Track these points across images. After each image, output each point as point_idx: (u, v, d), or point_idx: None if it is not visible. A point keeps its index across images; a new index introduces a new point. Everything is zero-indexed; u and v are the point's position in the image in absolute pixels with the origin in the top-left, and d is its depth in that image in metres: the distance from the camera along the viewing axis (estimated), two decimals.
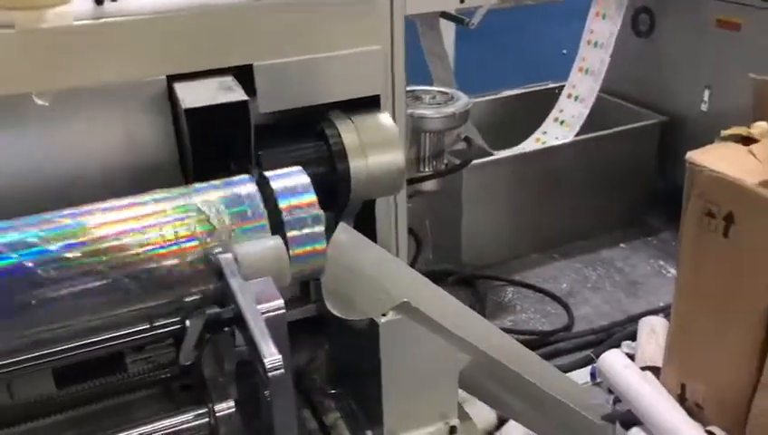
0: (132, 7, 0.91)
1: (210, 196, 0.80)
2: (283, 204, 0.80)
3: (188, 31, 0.92)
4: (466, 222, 2.25)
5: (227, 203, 0.79)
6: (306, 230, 0.80)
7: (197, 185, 0.82)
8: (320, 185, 0.85)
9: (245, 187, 0.81)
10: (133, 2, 0.92)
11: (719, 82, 2.26)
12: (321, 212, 0.81)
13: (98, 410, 0.93)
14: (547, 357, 1.92)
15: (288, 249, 0.78)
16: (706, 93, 2.29)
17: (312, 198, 0.81)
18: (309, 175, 0.85)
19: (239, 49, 0.95)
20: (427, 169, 1.92)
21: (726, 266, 1.46)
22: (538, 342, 2.01)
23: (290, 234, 0.79)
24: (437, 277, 2.20)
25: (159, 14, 0.91)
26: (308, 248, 0.81)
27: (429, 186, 1.96)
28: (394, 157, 1.03)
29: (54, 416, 0.90)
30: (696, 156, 1.50)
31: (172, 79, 0.92)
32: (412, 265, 1.84)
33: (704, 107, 2.30)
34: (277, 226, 0.81)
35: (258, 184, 0.82)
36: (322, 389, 1.02)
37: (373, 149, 1.02)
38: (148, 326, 0.91)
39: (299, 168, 0.84)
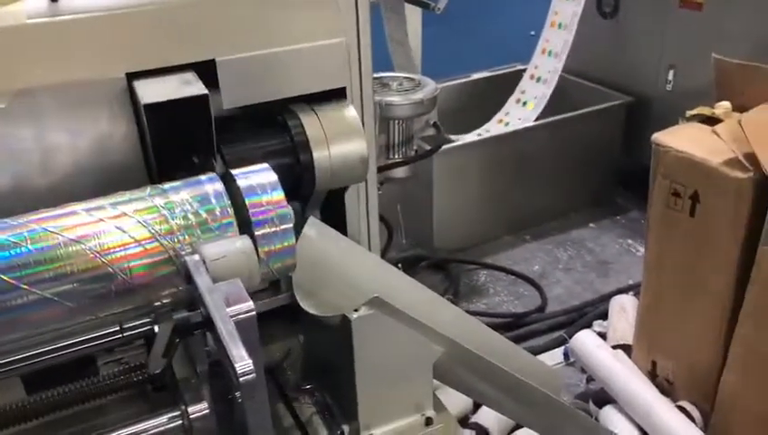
0: (88, 4, 0.88)
1: (175, 196, 0.79)
2: (250, 202, 0.79)
3: (147, 26, 0.90)
4: (438, 207, 2.26)
5: (193, 203, 0.78)
6: (275, 228, 0.79)
7: (162, 185, 0.81)
8: (284, 176, 0.84)
9: (212, 185, 0.80)
10: None
11: (683, 62, 2.29)
12: (289, 209, 0.80)
13: (71, 414, 0.91)
14: (521, 338, 1.95)
15: (257, 248, 0.77)
16: (671, 73, 2.32)
17: (279, 195, 0.80)
18: (273, 167, 0.84)
19: (200, 44, 0.93)
20: (397, 156, 1.91)
21: (692, 245, 1.49)
22: (512, 324, 2.03)
23: (258, 232, 0.78)
24: (410, 263, 2.22)
25: (116, 10, 0.89)
26: (277, 246, 0.80)
27: (400, 172, 1.96)
28: (357, 146, 1.03)
29: (26, 423, 0.89)
30: (662, 137, 1.52)
31: (132, 76, 0.90)
32: (384, 251, 1.84)
33: (668, 87, 2.33)
34: (244, 224, 0.80)
35: (224, 182, 0.81)
36: (297, 384, 1.02)
37: (336, 138, 1.02)
38: (117, 329, 0.89)
39: (266, 165, 0.83)
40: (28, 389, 0.96)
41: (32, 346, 0.85)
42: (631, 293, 2.00)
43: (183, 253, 0.77)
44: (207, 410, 0.78)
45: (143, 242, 0.77)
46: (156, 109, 0.87)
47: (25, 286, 0.74)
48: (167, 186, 0.80)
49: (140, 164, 0.93)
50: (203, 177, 0.81)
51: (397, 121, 1.88)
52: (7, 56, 0.84)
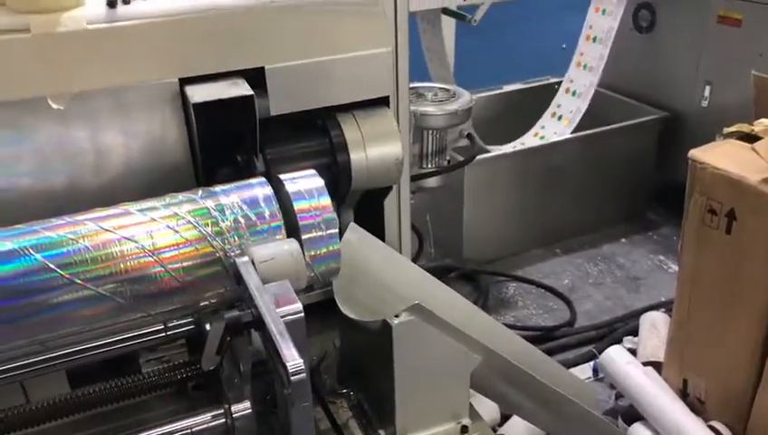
0: (144, 10, 0.91)
1: (226, 199, 0.81)
2: (298, 206, 0.80)
3: (200, 34, 0.93)
4: (468, 217, 2.26)
5: (243, 206, 0.80)
6: (321, 233, 0.81)
7: (213, 188, 0.83)
8: (322, 176, 0.87)
9: (261, 189, 0.82)
10: (146, 5, 0.92)
11: (720, 78, 2.27)
12: (334, 215, 0.82)
13: (113, 410, 0.93)
14: (550, 353, 1.94)
15: (303, 252, 0.79)
16: (707, 89, 2.30)
17: (326, 201, 0.82)
18: (311, 167, 0.87)
19: (251, 52, 0.95)
20: (429, 166, 1.92)
21: (728, 263, 1.47)
22: (541, 337, 2.02)
23: (305, 236, 0.80)
24: (439, 273, 2.22)
25: (171, 16, 0.92)
26: (323, 250, 0.81)
27: (432, 182, 1.97)
28: (393, 148, 1.07)
29: (70, 417, 0.91)
30: (699, 153, 1.51)
31: (184, 81, 0.93)
32: (414, 260, 1.85)
33: (704, 103, 2.31)
34: (292, 228, 0.81)
35: (273, 186, 0.83)
36: (333, 387, 1.03)
37: (372, 141, 1.05)
38: (161, 328, 0.92)
39: (313, 171, 0.85)
40: (72, 383, 0.98)
41: (79, 342, 0.87)
42: (662, 309, 1.98)
43: (232, 254, 0.79)
44: (250, 410, 0.80)
45: (194, 242, 0.79)
46: (203, 107, 0.90)
47: (80, 282, 0.77)
48: (218, 188, 0.82)
49: (189, 165, 0.95)
50: (253, 180, 0.83)
51: (431, 131, 1.89)
52: (67, 60, 0.87)
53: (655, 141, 2.47)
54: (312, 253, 0.81)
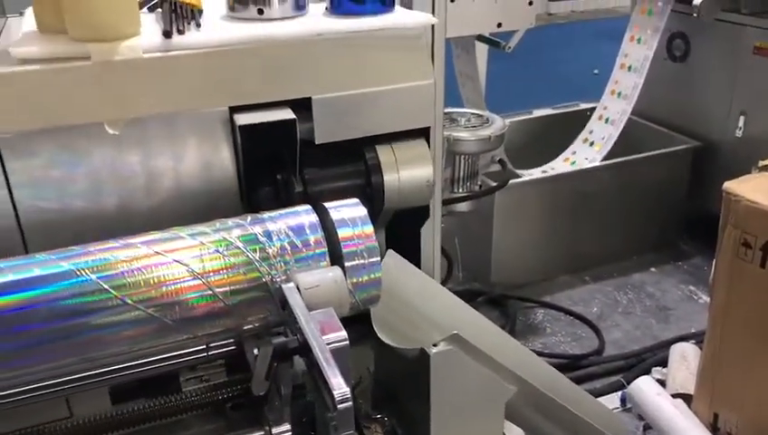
0: (198, 40, 0.95)
1: (273, 225, 0.83)
2: (342, 234, 0.83)
3: (250, 64, 0.96)
4: (497, 242, 2.27)
5: (289, 232, 0.82)
6: (363, 261, 0.83)
7: (260, 215, 0.85)
8: (356, 196, 0.90)
9: (307, 217, 0.84)
10: (199, 35, 0.96)
11: (755, 108, 2.26)
12: (376, 243, 0.84)
13: (152, 427, 0.95)
14: (577, 381, 1.93)
15: (346, 279, 0.81)
16: (741, 119, 2.29)
17: (369, 229, 0.84)
18: (346, 187, 0.89)
19: (298, 82, 0.98)
20: (461, 191, 1.94)
21: (762, 297, 1.46)
22: (568, 365, 2.01)
23: (348, 263, 0.82)
24: (467, 297, 2.21)
25: (223, 47, 0.95)
26: (364, 278, 0.83)
27: (462, 207, 1.98)
28: (424, 171, 1.10)
29: (111, 433, 0.93)
30: (733, 186, 1.51)
31: (234, 110, 0.96)
32: (442, 284, 1.86)
33: (738, 133, 2.30)
34: (335, 255, 0.83)
35: (318, 214, 0.85)
36: (368, 413, 1.04)
37: (405, 164, 1.08)
38: (203, 348, 0.94)
39: (356, 200, 0.87)
40: (113, 398, 1.01)
41: (124, 360, 0.90)
42: (693, 341, 1.97)
43: (278, 280, 0.81)
44: (290, 433, 0.81)
45: (241, 267, 0.81)
46: (249, 129, 0.94)
47: (131, 303, 0.79)
48: (265, 215, 0.85)
49: (236, 189, 0.98)
50: (299, 208, 0.86)
51: (463, 156, 1.91)
52: (124, 87, 0.91)
53: (687, 171, 2.46)
54: (354, 280, 0.83)
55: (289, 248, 0.82)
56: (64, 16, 0.92)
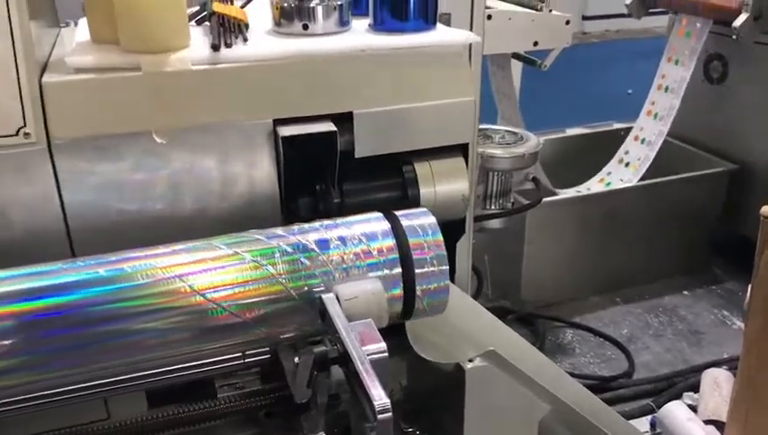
0: (244, 54, 0.97)
1: (325, 233, 0.85)
2: (412, 242, 0.85)
3: (295, 78, 0.98)
4: (527, 260, 2.26)
5: (361, 238, 0.84)
6: (433, 268, 0.85)
7: (313, 223, 0.87)
8: (392, 208, 0.91)
9: (377, 224, 0.87)
10: (246, 48, 0.98)
11: None
12: (445, 252, 0.86)
13: (187, 432, 0.97)
14: (606, 403, 1.91)
15: (416, 286, 0.84)
16: None
17: (438, 238, 0.86)
18: (383, 199, 0.92)
19: (341, 97, 1.00)
20: (493, 207, 1.94)
21: None
22: (597, 387, 1.99)
23: (418, 271, 0.84)
24: (496, 315, 2.20)
25: (269, 61, 0.97)
26: (433, 286, 0.85)
27: (494, 224, 1.99)
28: (460, 185, 1.11)
29: None
30: None
31: (277, 122, 0.98)
32: None
33: None
34: (405, 262, 0.85)
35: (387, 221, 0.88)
36: (400, 426, 1.05)
37: (442, 178, 1.10)
38: (240, 355, 0.95)
39: (425, 209, 0.90)
40: (150, 401, 1.03)
41: (161, 365, 0.91)
42: (725, 366, 1.94)
43: (317, 290, 0.82)
44: None
45: (282, 277, 0.82)
46: (291, 140, 0.96)
47: (168, 309, 0.81)
48: (317, 224, 0.86)
49: (277, 200, 1.00)
50: (369, 215, 0.88)
51: (496, 173, 1.91)
52: (173, 98, 0.94)
53: (722, 193, 2.43)
54: (423, 287, 0.85)
55: (336, 258, 0.83)
56: (117, 28, 0.95)
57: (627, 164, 2.38)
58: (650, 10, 2.52)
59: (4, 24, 0.86)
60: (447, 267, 0.86)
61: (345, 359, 0.71)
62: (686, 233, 2.43)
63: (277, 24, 1.05)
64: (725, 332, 2.21)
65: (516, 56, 2.24)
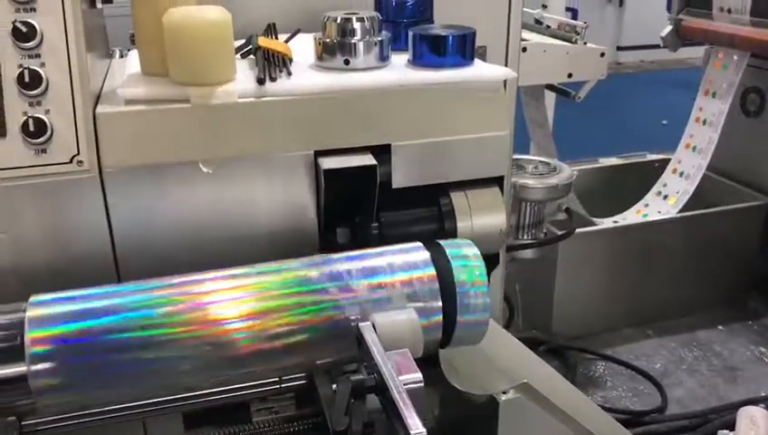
0: (288, 88, 1.01)
1: (355, 264, 0.87)
2: (456, 271, 0.88)
3: (336, 111, 1.01)
4: (559, 291, 2.25)
5: (389, 269, 0.87)
6: (475, 300, 0.87)
7: (351, 252, 0.90)
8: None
9: (418, 254, 0.89)
10: (290, 82, 1.02)
11: None
12: (487, 283, 0.88)
13: None
14: None
15: (456, 316, 0.85)
16: None
17: (482, 268, 0.89)
18: (421, 232, 0.95)
19: (380, 130, 1.03)
20: (525, 237, 1.94)
21: None
22: (629, 421, 1.97)
23: (460, 302, 0.87)
24: (527, 345, 2.20)
25: (311, 95, 1.01)
26: (473, 318, 0.88)
27: (526, 254, 1.98)
28: (497, 219, 1.12)
29: None
30: None
31: (319, 154, 1.01)
32: None
33: None
34: (446, 292, 0.87)
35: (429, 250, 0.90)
36: None
37: (479, 211, 1.11)
38: (276, 380, 0.97)
39: (469, 241, 0.93)
40: (187, 425, 1.05)
41: (197, 389, 0.93)
42: (762, 405, 1.89)
43: (353, 318, 0.84)
44: None
45: (319, 304, 0.84)
46: (332, 173, 0.99)
47: (203, 336, 0.83)
48: (356, 252, 0.89)
49: (316, 230, 1.03)
50: (408, 245, 0.91)
51: (529, 203, 1.92)
52: (219, 129, 0.97)
53: (760, 227, 2.40)
54: (464, 319, 0.87)
55: (384, 285, 0.85)
56: (167, 61, 0.99)
57: (665, 197, 2.37)
58: (686, 42, 2.52)
59: (63, 57, 0.91)
60: (489, 300, 0.87)
61: (382, 388, 0.72)
62: (723, 267, 2.40)
63: (320, 58, 1.08)
64: (762, 369, 2.17)
65: (550, 87, 2.26)
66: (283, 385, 0.98)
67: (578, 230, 2.19)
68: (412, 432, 0.63)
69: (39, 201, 0.93)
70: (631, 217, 2.39)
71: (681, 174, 2.36)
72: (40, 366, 0.78)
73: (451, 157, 1.06)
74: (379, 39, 1.07)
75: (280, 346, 0.86)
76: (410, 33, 1.10)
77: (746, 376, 2.15)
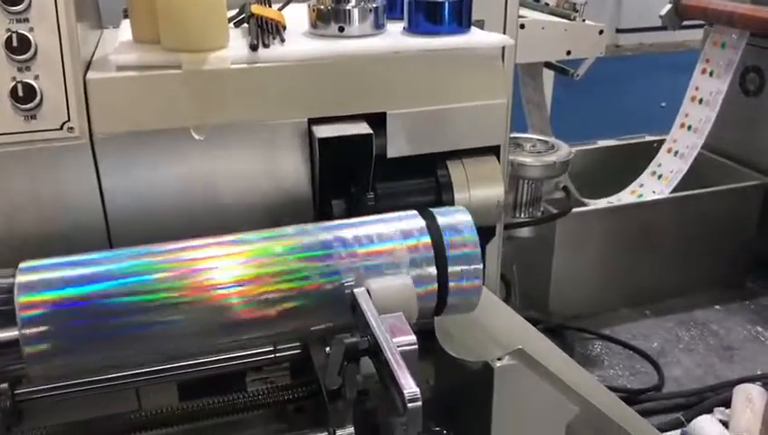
0: (281, 54, 0.99)
1: (350, 231, 0.86)
2: (448, 239, 0.86)
3: (330, 78, 1.00)
4: (556, 270, 2.25)
5: (383, 237, 0.85)
6: (467, 266, 0.86)
7: (349, 220, 0.89)
8: None
9: (414, 221, 0.88)
10: (283, 49, 1.00)
11: None
12: (479, 251, 0.87)
13: (214, 425, 0.98)
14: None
15: (447, 283, 0.84)
16: None
17: (474, 236, 0.87)
18: (417, 204, 0.93)
19: (375, 97, 1.02)
20: (522, 216, 1.94)
21: None
22: (626, 400, 1.95)
23: (452, 269, 0.85)
24: None
25: (305, 61, 0.99)
26: (466, 284, 0.87)
27: (523, 232, 1.98)
28: (495, 191, 1.11)
29: (176, 427, 0.96)
30: None
31: (312, 121, 1.00)
32: None
33: None
34: (439, 260, 0.86)
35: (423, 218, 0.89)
36: (427, 425, 1.05)
37: (476, 183, 1.10)
38: (271, 349, 0.97)
39: (462, 207, 0.91)
40: (181, 396, 1.05)
41: (192, 356, 0.93)
42: (758, 383, 1.90)
43: (348, 284, 0.83)
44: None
45: (313, 271, 0.84)
46: (327, 142, 0.97)
47: (197, 302, 0.82)
48: (351, 220, 0.88)
49: (309, 199, 1.02)
50: (402, 213, 0.89)
51: (526, 181, 1.91)
52: (211, 95, 0.96)
53: (757, 207, 2.39)
54: (456, 285, 0.86)
55: (379, 252, 0.84)
56: (158, 28, 0.98)
57: (659, 176, 2.36)
58: (685, 21, 2.50)
59: (52, 21, 0.90)
60: (482, 266, 0.86)
61: (375, 350, 0.72)
62: (720, 246, 2.39)
63: (314, 26, 1.07)
64: (759, 348, 2.17)
65: (549, 65, 2.24)
66: (277, 354, 0.97)
67: (575, 210, 2.18)
68: (405, 391, 0.63)
69: (29, 168, 0.92)
70: (626, 197, 2.38)
71: (676, 153, 2.35)
72: (31, 330, 0.77)
73: (447, 126, 1.05)
74: (375, 6, 1.06)
75: (275, 313, 0.85)
76: (406, 0, 1.08)
77: (743, 355, 2.15)
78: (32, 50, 0.89)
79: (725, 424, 1.76)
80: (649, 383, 2.03)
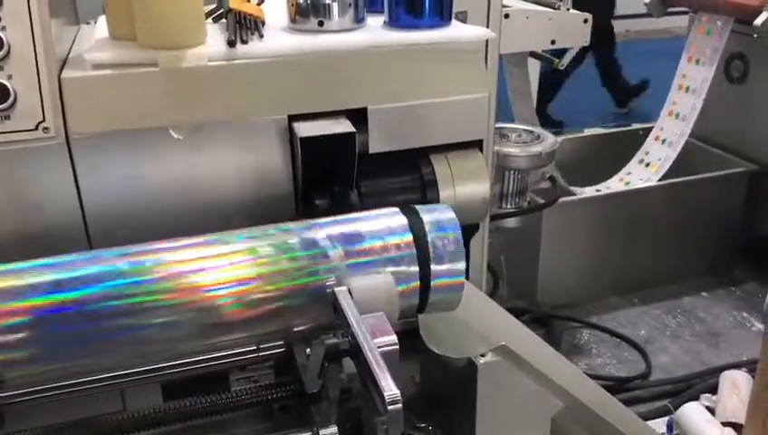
0: (260, 50, 0.98)
1: (328, 229, 0.85)
2: (431, 236, 0.85)
3: (309, 74, 0.99)
4: (544, 260, 2.25)
5: (366, 235, 0.84)
6: (450, 265, 0.85)
7: (329, 218, 0.87)
8: None
9: (394, 218, 0.87)
10: (261, 45, 0.99)
11: None
12: (462, 248, 0.86)
13: (198, 425, 0.98)
14: (623, 405, 1.89)
15: (430, 280, 0.84)
16: None
17: (457, 233, 0.86)
18: (402, 202, 0.92)
19: (355, 93, 1.00)
20: (509, 206, 1.94)
21: None
22: (613, 388, 1.98)
23: (434, 267, 0.84)
24: (513, 315, 2.20)
25: (284, 57, 0.98)
26: (448, 281, 0.86)
27: (510, 223, 1.98)
28: (480, 188, 1.10)
29: (160, 428, 0.96)
30: None
31: (293, 118, 0.99)
32: None
33: None
34: (422, 257, 0.85)
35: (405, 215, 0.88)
36: (412, 421, 1.05)
37: (461, 180, 1.09)
38: (254, 348, 0.96)
39: (447, 205, 0.90)
40: (165, 394, 1.04)
41: (175, 358, 0.92)
42: (744, 369, 1.91)
43: (330, 283, 0.83)
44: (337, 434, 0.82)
45: (296, 271, 0.83)
46: (309, 141, 0.96)
47: (179, 304, 0.81)
48: (333, 218, 0.87)
49: (291, 196, 1.01)
50: (384, 210, 0.88)
51: (512, 172, 1.91)
52: (189, 93, 0.95)
53: (743, 194, 2.40)
54: (439, 283, 0.85)
55: (348, 251, 0.83)
56: (135, 25, 0.96)
57: (647, 164, 2.37)
58: (670, 9, 2.50)
59: (25, 20, 0.88)
60: (464, 264, 0.86)
61: (356, 351, 0.71)
62: (706, 233, 2.41)
63: (293, 20, 1.06)
64: (745, 334, 2.19)
65: (534, 55, 2.23)
66: (261, 353, 0.96)
67: (562, 199, 2.18)
68: (386, 394, 0.62)
69: (4, 169, 0.90)
70: (614, 185, 2.39)
71: (663, 141, 2.36)
72: (9, 337, 0.76)
73: (429, 120, 1.04)
74: (354, 0, 1.04)
75: (257, 313, 0.84)
76: None
77: (729, 341, 2.17)
78: (4, 49, 0.88)
79: (712, 411, 1.77)
80: (637, 371, 2.04)
